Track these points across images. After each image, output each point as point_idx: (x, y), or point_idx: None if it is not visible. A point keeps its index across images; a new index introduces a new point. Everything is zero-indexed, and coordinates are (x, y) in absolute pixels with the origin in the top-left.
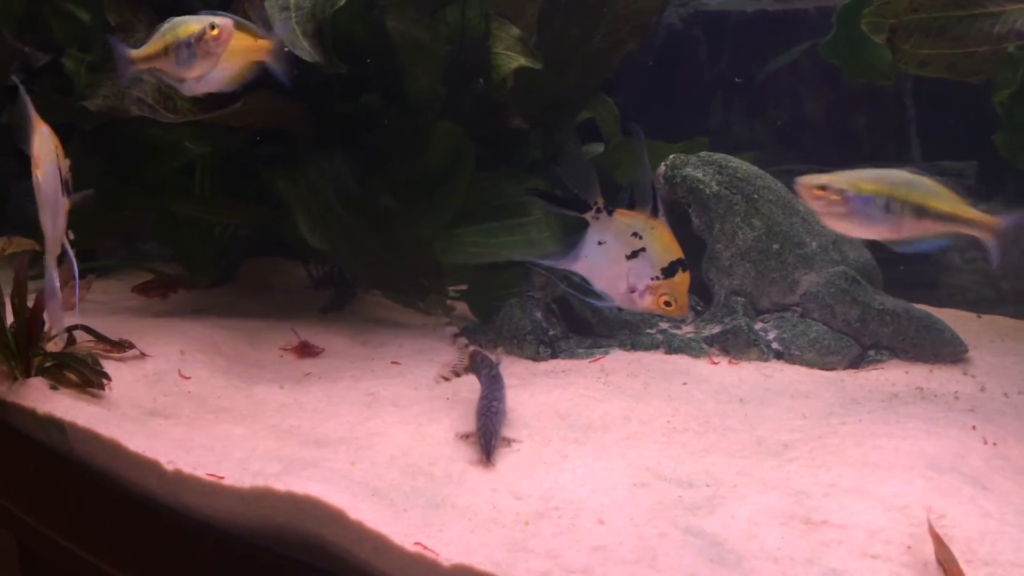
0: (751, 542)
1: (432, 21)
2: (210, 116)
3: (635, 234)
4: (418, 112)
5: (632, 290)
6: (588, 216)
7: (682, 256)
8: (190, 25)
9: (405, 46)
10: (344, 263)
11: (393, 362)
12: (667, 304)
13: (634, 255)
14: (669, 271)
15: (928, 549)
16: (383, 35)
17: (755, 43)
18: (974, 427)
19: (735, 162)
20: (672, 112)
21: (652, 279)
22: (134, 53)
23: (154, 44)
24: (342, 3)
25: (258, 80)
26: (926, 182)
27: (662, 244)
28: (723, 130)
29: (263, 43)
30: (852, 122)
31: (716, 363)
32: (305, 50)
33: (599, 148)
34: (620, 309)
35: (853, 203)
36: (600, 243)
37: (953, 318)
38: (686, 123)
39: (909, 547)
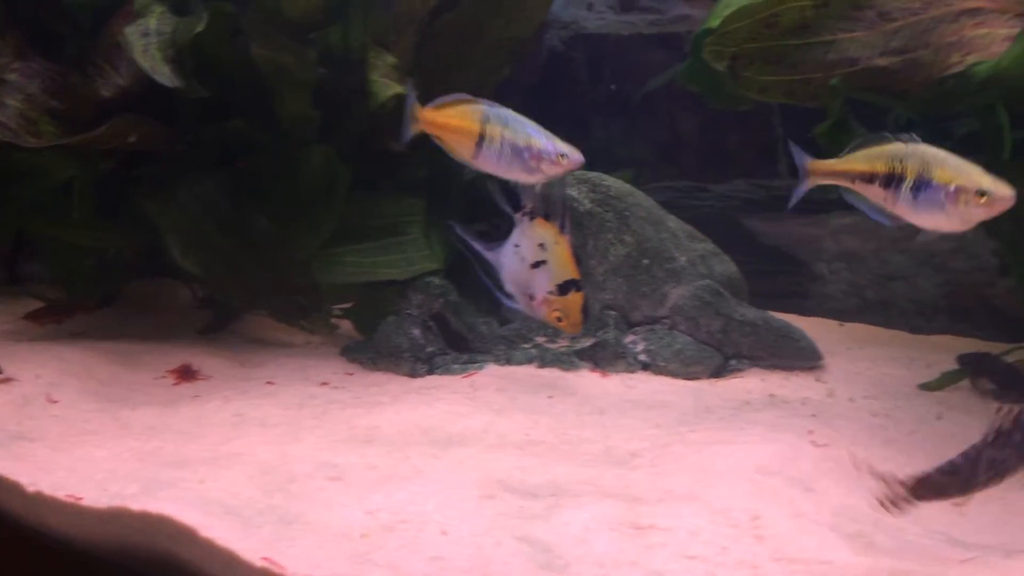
0: (581, 548)
1: (299, 46)
2: (74, 139)
3: (542, 245)
4: (291, 135)
5: (532, 297)
6: (516, 216)
7: (578, 277)
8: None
9: (272, 71)
10: (217, 285)
11: (268, 382)
12: (559, 319)
13: (537, 265)
14: (563, 289)
15: (742, 548)
16: (251, 59)
17: (632, 65)
18: (811, 431)
19: (608, 180)
20: (554, 131)
21: (548, 292)
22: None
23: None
24: (201, 28)
25: (126, 103)
26: None
27: (561, 261)
28: (604, 148)
29: None
30: (725, 140)
31: (586, 376)
32: (165, 75)
33: None
34: (500, 324)
35: None
36: (516, 246)
37: (817, 326)
38: (568, 142)
39: (725, 547)
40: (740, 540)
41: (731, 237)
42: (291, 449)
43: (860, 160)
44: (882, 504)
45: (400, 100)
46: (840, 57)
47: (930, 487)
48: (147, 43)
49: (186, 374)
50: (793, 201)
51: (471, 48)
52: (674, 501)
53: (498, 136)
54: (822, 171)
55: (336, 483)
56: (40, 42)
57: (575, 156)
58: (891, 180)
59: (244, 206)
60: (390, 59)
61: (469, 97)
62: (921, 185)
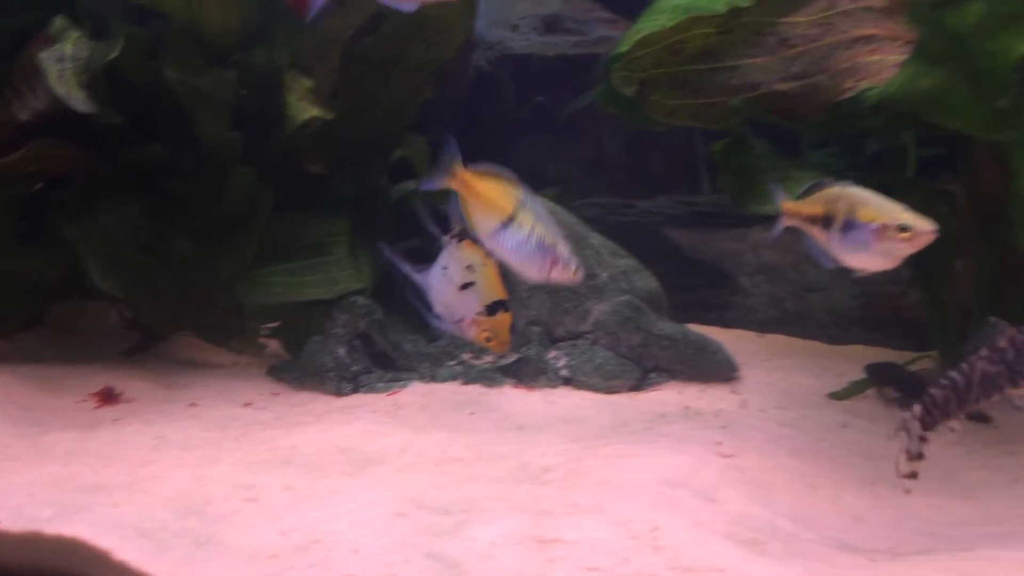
0: (486, 562)
1: (217, 70)
2: None
3: (470, 267)
4: (211, 157)
5: (460, 319)
6: (444, 239)
7: (505, 298)
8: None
9: (188, 95)
10: (138, 308)
11: (191, 404)
12: (488, 339)
13: (465, 287)
14: (491, 309)
15: (641, 559)
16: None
17: (558, 84)
18: (719, 443)
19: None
20: (483, 149)
21: (477, 313)
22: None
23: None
24: (115, 54)
25: (44, 127)
26: None
27: (488, 283)
28: (532, 166)
29: None
30: (649, 158)
31: (509, 392)
32: (80, 101)
33: (411, 185)
34: (429, 341)
35: None
36: (444, 268)
37: (737, 337)
38: (497, 160)
39: (625, 559)
40: (639, 551)
41: (656, 252)
42: (209, 472)
43: (806, 203)
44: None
45: (317, 123)
46: (743, 82)
47: (935, 409)
48: (62, 68)
49: (108, 397)
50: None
51: (393, 70)
52: (580, 514)
53: (528, 226)
54: (790, 212)
55: (252, 504)
56: None
57: (581, 272)
58: (828, 222)
59: (166, 228)
60: (307, 83)
61: (510, 174)
62: (849, 225)
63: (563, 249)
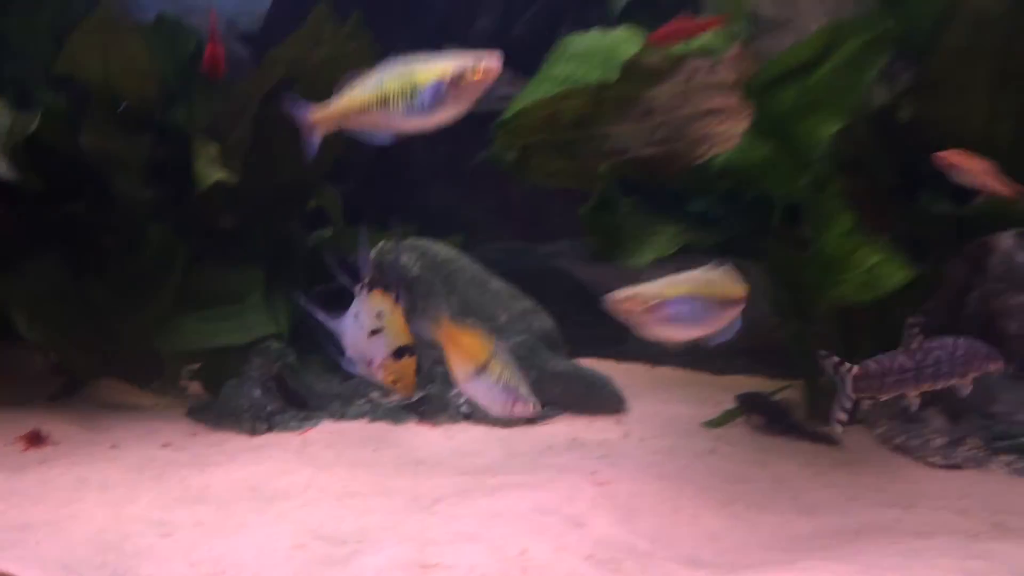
0: None
1: (131, 134)
2: None
3: (379, 315)
4: (128, 215)
5: (370, 363)
6: (355, 289)
7: (411, 343)
8: (434, 68)
9: (103, 159)
10: (63, 355)
11: (112, 446)
12: (394, 383)
13: (374, 333)
14: (398, 354)
15: None
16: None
17: (464, 137)
18: (595, 472)
19: (436, 247)
20: (395, 197)
21: (385, 358)
22: (318, 114)
23: (359, 97)
24: (35, 127)
25: None
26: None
27: (396, 329)
28: (442, 213)
29: None
30: (550, 205)
31: (412, 428)
32: (2, 168)
33: (328, 232)
34: (342, 380)
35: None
36: (355, 315)
37: (630, 371)
38: (411, 206)
39: None
40: (509, 572)
41: (560, 292)
42: (127, 510)
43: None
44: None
45: (220, 186)
46: (613, 147)
47: (868, 380)
48: None
49: (35, 440)
50: None
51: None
52: (462, 541)
53: (497, 372)
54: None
55: (166, 539)
56: None
57: (538, 407)
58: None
59: (88, 280)
60: (214, 148)
61: (486, 333)
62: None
63: (524, 390)
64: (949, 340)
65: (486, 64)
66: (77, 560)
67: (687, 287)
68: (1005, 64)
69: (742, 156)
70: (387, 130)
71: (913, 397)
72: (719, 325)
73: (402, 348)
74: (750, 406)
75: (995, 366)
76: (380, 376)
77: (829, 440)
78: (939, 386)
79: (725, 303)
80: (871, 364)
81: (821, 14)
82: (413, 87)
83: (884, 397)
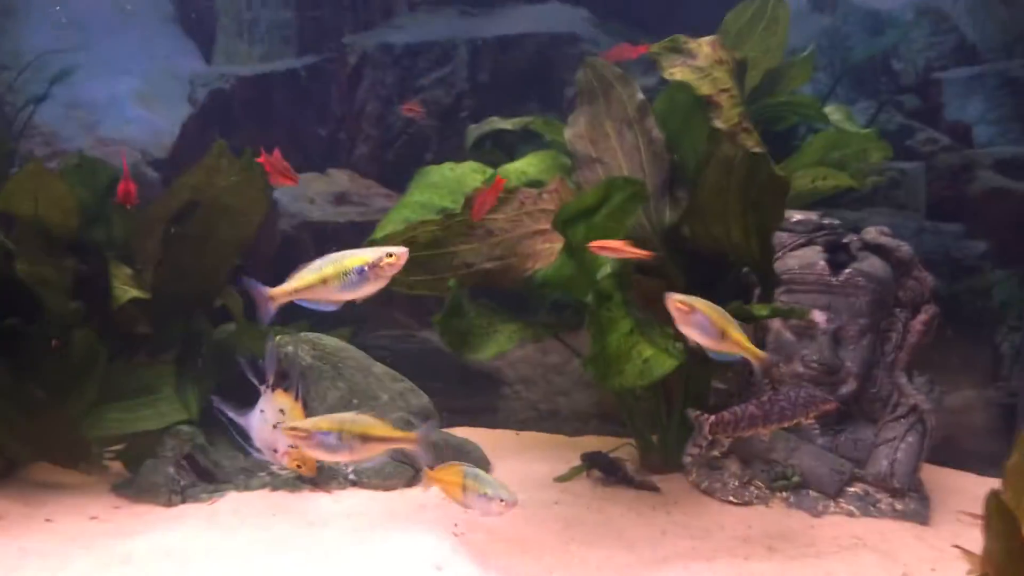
0: None
1: (57, 260)
2: None
3: (282, 410)
4: (56, 324)
5: (275, 451)
6: (262, 388)
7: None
8: (359, 257)
9: (35, 281)
10: (2, 442)
11: (47, 519)
12: (298, 466)
13: (277, 426)
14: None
15: None
16: None
17: (348, 244)
18: (456, 524)
19: (326, 339)
20: None
21: (289, 446)
22: (274, 291)
23: (305, 279)
24: None
25: None
26: None
27: (294, 420)
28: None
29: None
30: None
31: (307, 495)
32: None
33: (232, 327)
34: (245, 456)
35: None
36: (262, 411)
37: (499, 436)
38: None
39: None
40: None
41: (440, 369)
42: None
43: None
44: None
45: (145, 308)
46: (461, 262)
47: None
48: None
49: None
50: None
51: (206, 245)
52: None
53: (474, 488)
54: None
55: None
56: None
57: (511, 505)
58: None
59: (23, 379)
60: (127, 270)
61: (463, 466)
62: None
63: (492, 493)
64: (792, 391)
65: (397, 255)
66: None
67: (332, 424)
68: (747, 195)
69: (555, 271)
70: (327, 301)
71: (764, 434)
72: (359, 455)
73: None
74: (591, 462)
75: (828, 407)
76: (286, 461)
77: (652, 487)
78: (786, 424)
79: (365, 439)
80: (725, 414)
81: (621, 154)
82: (345, 271)
83: (741, 435)
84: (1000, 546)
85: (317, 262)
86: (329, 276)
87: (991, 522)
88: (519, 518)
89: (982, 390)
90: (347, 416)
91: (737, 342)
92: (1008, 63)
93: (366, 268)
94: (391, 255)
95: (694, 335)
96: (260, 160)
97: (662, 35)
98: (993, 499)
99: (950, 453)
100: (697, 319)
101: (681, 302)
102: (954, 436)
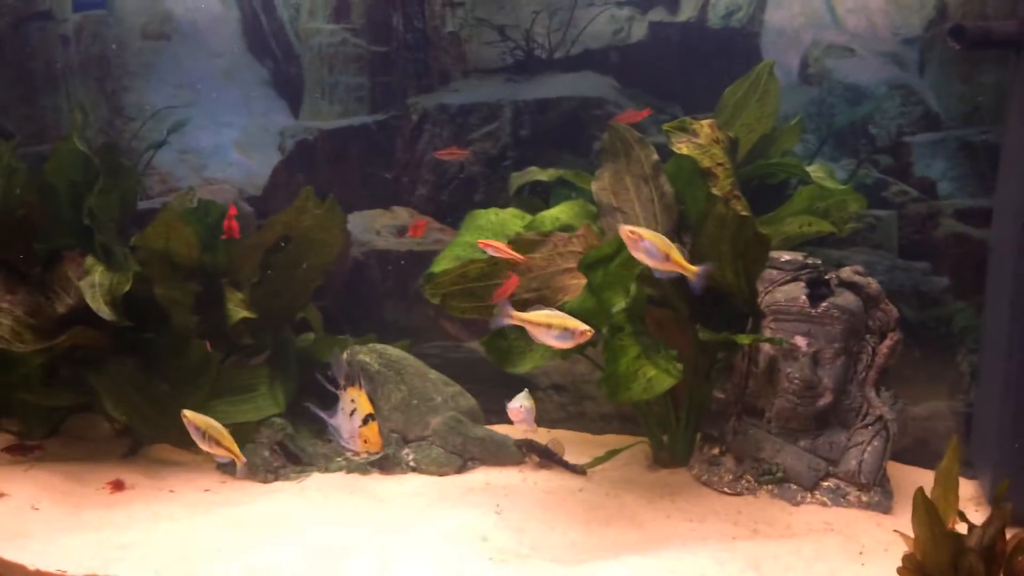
0: None
1: (183, 285)
2: (47, 344)
3: (352, 400)
4: (181, 334)
5: (352, 435)
6: (339, 392)
7: (372, 411)
8: (575, 323)
9: (167, 301)
10: (136, 427)
11: (171, 490)
12: (365, 442)
13: (351, 413)
14: (364, 422)
15: (440, 570)
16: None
17: (409, 271)
18: (498, 504)
19: (390, 350)
20: (361, 311)
21: (358, 427)
22: (515, 313)
23: (537, 317)
24: (128, 287)
25: (75, 315)
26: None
27: (362, 406)
28: (393, 322)
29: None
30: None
31: (375, 477)
32: (105, 313)
33: (312, 336)
34: (324, 443)
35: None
36: (341, 408)
37: (532, 434)
38: (371, 319)
39: (434, 570)
40: (440, 566)
41: (482, 376)
42: (189, 535)
43: None
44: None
45: (246, 322)
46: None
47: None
48: (94, 292)
49: (118, 486)
50: None
51: (295, 271)
52: (409, 549)
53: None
54: None
55: (218, 552)
56: (13, 275)
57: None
58: None
59: (153, 377)
60: (239, 295)
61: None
62: None
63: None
64: None
65: (586, 332)
66: (158, 565)
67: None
68: (736, 245)
69: (580, 304)
70: (537, 338)
71: None
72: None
73: (367, 416)
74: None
75: None
76: (358, 442)
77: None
78: None
79: None
80: None
81: (638, 205)
82: (564, 327)
83: None
84: (926, 532)
85: (547, 311)
86: (554, 324)
87: (918, 513)
88: (549, 501)
89: (946, 401)
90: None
91: (677, 262)
92: (966, 130)
93: (575, 332)
94: (586, 332)
95: (643, 258)
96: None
97: (674, 99)
98: (920, 495)
99: (921, 455)
100: (645, 245)
101: (631, 231)
102: (924, 440)
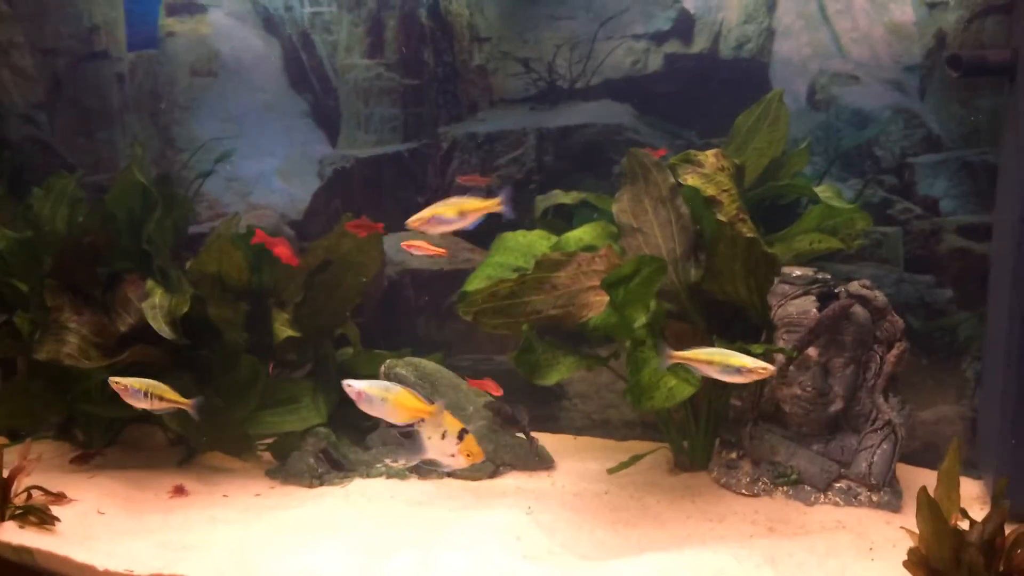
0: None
1: (234, 305)
2: (111, 361)
3: (439, 424)
4: (232, 350)
5: (452, 455)
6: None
7: (464, 427)
8: (743, 361)
9: (220, 320)
10: (191, 436)
11: (224, 495)
12: (468, 456)
13: (443, 436)
14: (459, 438)
15: (476, 567)
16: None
17: (441, 289)
18: (529, 506)
19: (424, 362)
20: (395, 326)
21: (456, 445)
22: (676, 353)
23: (700, 355)
24: (186, 309)
25: (135, 334)
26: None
27: (452, 426)
28: (426, 337)
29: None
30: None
31: (413, 482)
32: (166, 332)
33: (350, 351)
34: (364, 451)
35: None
36: (429, 437)
37: (561, 440)
38: (406, 334)
39: (471, 560)
40: (476, 562)
41: (517, 384)
42: (246, 535)
43: None
44: None
45: (290, 339)
46: (532, 310)
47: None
48: (155, 313)
49: (179, 491)
50: None
51: (336, 291)
52: (450, 548)
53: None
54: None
55: (272, 552)
56: (79, 297)
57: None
58: None
59: (206, 389)
60: (285, 315)
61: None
62: None
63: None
64: None
65: (765, 369)
66: (218, 562)
67: None
68: (747, 263)
69: (603, 320)
70: (701, 371)
71: None
72: None
73: (460, 431)
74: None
75: None
76: (460, 460)
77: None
78: None
79: None
80: None
81: (656, 226)
82: (727, 363)
83: None
84: (929, 528)
85: (709, 349)
86: (715, 360)
87: (922, 510)
88: (578, 504)
89: (952, 406)
90: None
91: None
92: (965, 151)
93: (743, 369)
94: (763, 370)
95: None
96: (352, 224)
97: (690, 126)
98: (923, 493)
99: (929, 457)
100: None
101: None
102: (932, 443)
